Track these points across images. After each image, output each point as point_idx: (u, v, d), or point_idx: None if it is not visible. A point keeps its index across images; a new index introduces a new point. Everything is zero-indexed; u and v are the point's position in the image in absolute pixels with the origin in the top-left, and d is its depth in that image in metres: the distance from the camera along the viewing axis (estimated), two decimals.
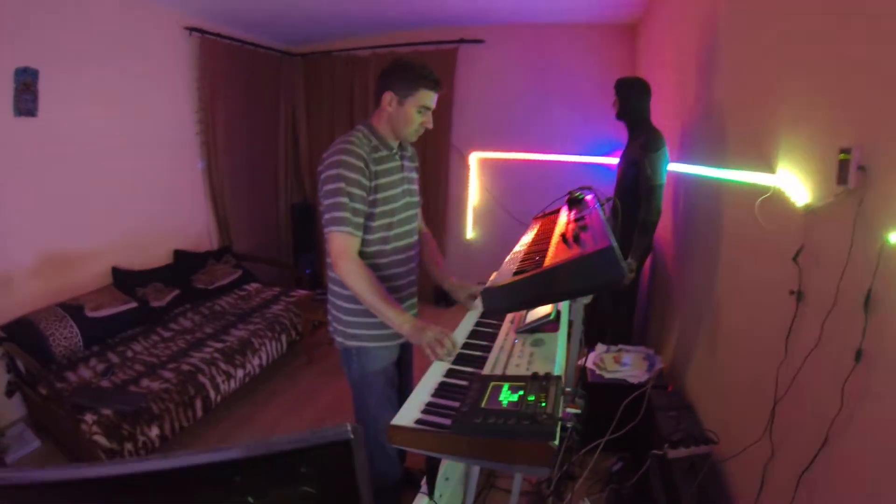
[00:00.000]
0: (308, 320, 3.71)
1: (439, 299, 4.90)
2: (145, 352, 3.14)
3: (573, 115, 4.40)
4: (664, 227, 2.91)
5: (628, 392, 2.19)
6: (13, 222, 3.04)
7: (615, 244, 1.20)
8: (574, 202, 1.98)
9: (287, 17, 4.31)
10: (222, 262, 4.35)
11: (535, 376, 1.17)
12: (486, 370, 1.38)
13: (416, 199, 1.96)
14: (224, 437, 2.98)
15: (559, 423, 0.99)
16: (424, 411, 1.18)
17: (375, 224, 1.75)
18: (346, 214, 1.64)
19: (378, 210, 1.74)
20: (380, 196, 1.73)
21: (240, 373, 3.10)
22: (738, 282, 1.95)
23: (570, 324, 1.63)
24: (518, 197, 4.72)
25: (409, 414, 1.16)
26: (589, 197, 1.95)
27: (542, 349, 1.47)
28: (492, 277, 1.62)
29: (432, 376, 1.38)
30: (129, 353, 3.10)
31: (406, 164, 1.88)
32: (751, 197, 1.69)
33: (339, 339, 1.89)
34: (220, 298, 3.98)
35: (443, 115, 4.69)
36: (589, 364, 2.61)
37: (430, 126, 1.80)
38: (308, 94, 5.28)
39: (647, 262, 3.15)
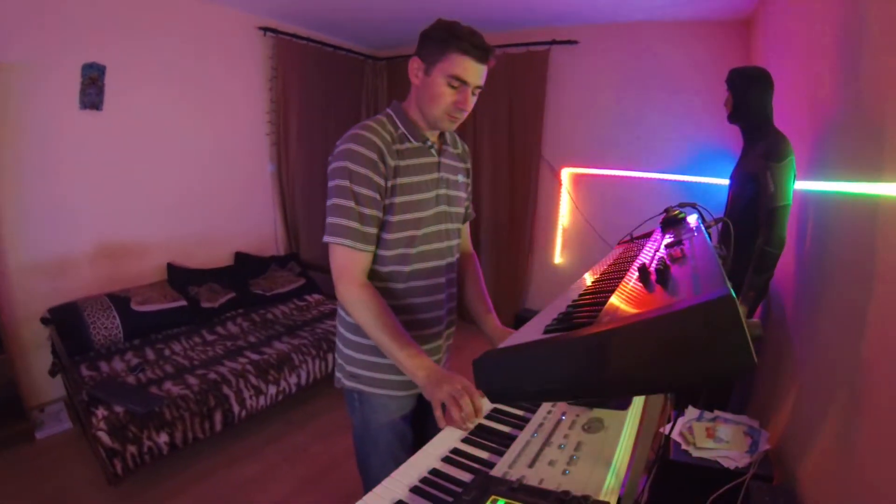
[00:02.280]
0: None
1: (519, 325, 4.37)
2: (182, 353, 3.01)
3: (678, 127, 3.77)
4: (782, 263, 2.18)
5: (721, 479, 1.69)
6: (75, 209, 3.11)
7: (733, 293, 0.59)
8: (670, 223, 1.45)
9: (369, 20, 4.16)
10: (286, 269, 4.20)
11: (564, 498, 0.73)
12: (503, 465, 0.94)
13: (459, 209, 1.48)
14: (247, 453, 2.74)
15: None
16: (415, 489, 0.91)
17: (392, 237, 1.31)
18: (351, 222, 1.24)
19: (396, 219, 1.30)
20: (399, 200, 1.30)
21: (272, 389, 2.85)
22: None
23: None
24: (613, 219, 4.13)
25: (396, 486, 0.90)
26: (692, 217, 1.43)
27: (596, 438, 1.00)
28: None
29: (443, 441, 1.04)
30: (167, 352, 2.99)
31: (447, 161, 1.42)
32: None
33: (338, 375, 1.46)
34: (275, 306, 3.80)
35: (533, 124, 4.27)
36: (675, 434, 1.99)
37: (467, 107, 1.29)
38: (391, 99, 5.08)
39: (758, 308, 2.42)
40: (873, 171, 1.48)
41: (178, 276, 3.51)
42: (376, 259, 1.31)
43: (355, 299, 1.24)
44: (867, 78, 1.60)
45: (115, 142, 3.23)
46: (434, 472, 0.96)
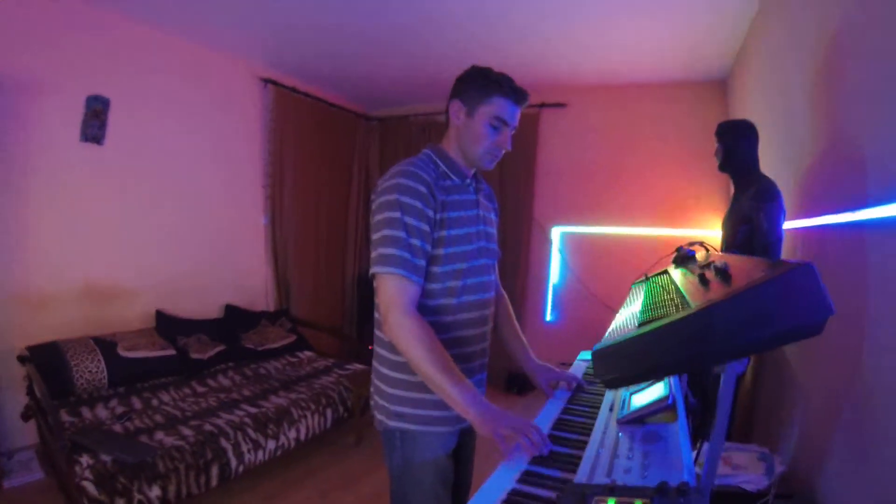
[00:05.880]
0: (360, 396, 3.30)
1: (511, 385, 4.33)
2: (172, 403, 2.86)
3: (665, 183, 4.00)
4: None
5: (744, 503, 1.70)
6: (64, 245, 3.03)
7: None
8: (682, 260, 1.54)
9: (364, 78, 4.38)
10: (276, 324, 4.13)
11: (663, 488, 0.74)
12: (581, 476, 0.94)
13: (494, 246, 1.52)
14: None
15: None
16: None
17: (441, 270, 1.32)
18: (403, 253, 1.23)
19: (445, 252, 1.32)
20: (448, 234, 1.32)
21: (271, 444, 2.72)
22: None
23: (691, 411, 1.18)
24: (603, 276, 4.27)
25: None
26: (700, 255, 1.53)
27: (658, 447, 1.02)
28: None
29: (499, 481, 0.96)
30: (155, 402, 2.85)
31: (483, 201, 1.48)
32: None
33: (379, 417, 1.42)
34: (267, 361, 3.70)
35: (525, 185, 4.47)
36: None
37: (508, 147, 1.39)
38: (383, 159, 5.24)
39: None
40: (858, 199, 1.62)
41: (167, 325, 3.41)
42: (425, 293, 1.31)
43: (406, 331, 1.21)
44: (843, 119, 1.80)
45: (112, 179, 3.22)
46: (514, 494, 0.93)
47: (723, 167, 2.47)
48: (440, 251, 1.31)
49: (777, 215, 2.15)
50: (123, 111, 3.22)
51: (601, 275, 4.29)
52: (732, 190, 2.52)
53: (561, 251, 4.54)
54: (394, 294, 1.24)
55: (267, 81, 4.20)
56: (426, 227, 1.27)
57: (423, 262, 1.27)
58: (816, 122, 2.09)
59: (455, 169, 1.38)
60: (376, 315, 1.36)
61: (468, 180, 1.42)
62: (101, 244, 3.21)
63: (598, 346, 0.99)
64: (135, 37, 3.29)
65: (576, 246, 4.49)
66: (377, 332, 1.40)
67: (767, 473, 1.89)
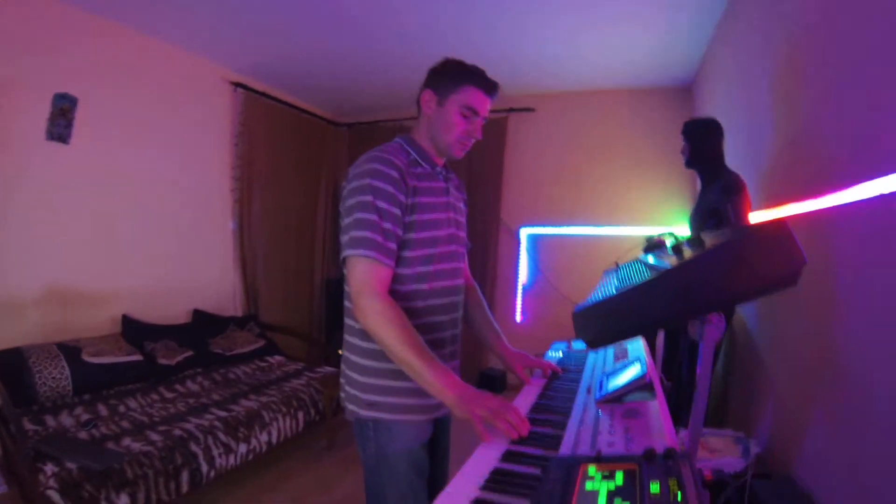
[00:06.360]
0: (331, 398, 3.24)
1: (482, 384, 4.34)
2: (139, 409, 2.75)
3: (631, 185, 4.13)
4: None
5: (722, 483, 1.73)
6: (26, 247, 2.90)
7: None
8: (653, 248, 1.59)
9: (334, 84, 4.39)
10: (245, 329, 4.03)
11: (649, 454, 0.74)
12: (565, 452, 0.95)
13: (464, 234, 1.53)
14: None
15: None
16: (486, 487, 0.81)
17: (412, 255, 1.32)
18: (375, 236, 1.22)
19: (416, 237, 1.32)
20: (419, 219, 1.32)
21: (242, 448, 2.64)
22: (870, 335, 1.44)
23: (666, 395, 1.21)
24: (572, 276, 4.34)
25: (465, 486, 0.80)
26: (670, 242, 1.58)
27: (640, 422, 1.04)
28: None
29: (480, 461, 0.95)
30: (122, 408, 2.73)
31: (452, 190, 1.48)
32: (875, 216, 1.32)
33: (351, 408, 1.38)
34: (236, 366, 3.61)
35: (493, 188, 4.51)
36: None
37: (479, 136, 1.40)
38: (351, 165, 5.20)
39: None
40: (823, 186, 1.71)
41: (134, 330, 3.29)
42: (396, 278, 1.30)
43: (378, 314, 1.20)
44: (808, 112, 1.89)
45: (78, 180, 3.11)
46: (497, 472, 0.90)
47: (689, 164, 2.56)
48: (411, 235, 1.31)
49: (744, 207, 2.24)
50: (91, 111, 3.12)
51: (570, 275, 4.36)
52: (699, 186, 2.61)
53: (529, 252, 4.60)
54: (365, 277, 1.22)
55: (237, 86, 4.15)
56: (397, 211, 1.26)
57: (394, 246, 1.26)
58: (780, 118, 2.19)
59: (425, 157, 1.39)
60: (346, 303, 1.34)
61: (438, 169, 1.43)
62: (66, 247, 3.09)
63: (579, 306, 1.00)
64: (105, 35, 3.20)
65: (544, 247, 4.56)
66: (347, 321, 1.38)
67: (744, 456, 1.95)
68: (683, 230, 3.05)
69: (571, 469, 0.75)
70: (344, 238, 1.26)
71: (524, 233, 4.61)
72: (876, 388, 1.40)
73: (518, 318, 4.64)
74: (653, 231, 3.89)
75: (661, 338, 3.01)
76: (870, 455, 1.42)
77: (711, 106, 3.48)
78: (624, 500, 0.64)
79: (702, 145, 2.48)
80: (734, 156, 2.59)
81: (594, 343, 0.98)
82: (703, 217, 2.45)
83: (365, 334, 1.27)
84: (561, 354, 1.78)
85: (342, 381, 1.43)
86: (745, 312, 2.65)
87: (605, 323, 0.93)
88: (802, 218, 1.84)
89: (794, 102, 2.02)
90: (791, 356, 2.02)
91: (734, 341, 2.78)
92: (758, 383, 2.40)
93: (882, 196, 1.31)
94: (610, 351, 1.64)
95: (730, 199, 2.26)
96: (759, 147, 2.48)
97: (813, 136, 1.85)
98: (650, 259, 1.28)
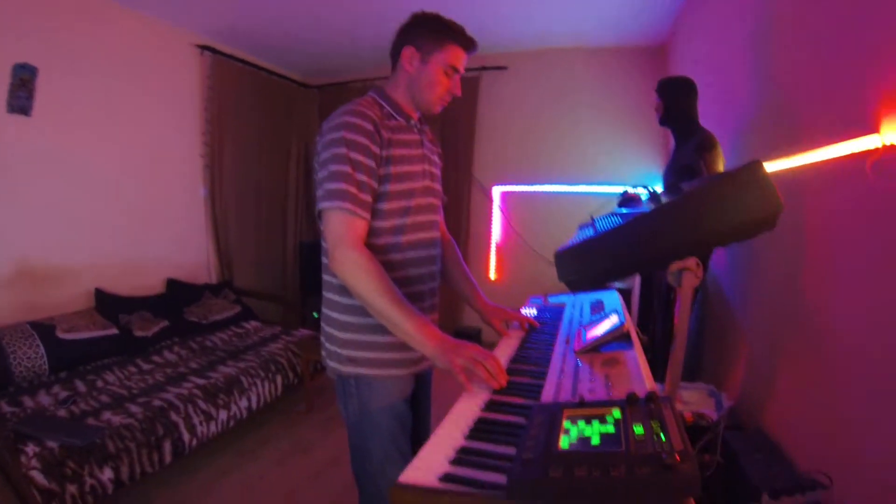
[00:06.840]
0: (308, 361, 3.28)
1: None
2: (117, 383, 2.73)
3: (603, 143, 4.12)
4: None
5: (696, 435, 1.78)
6: None
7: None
8: (628, 202, 1.60)
9: (303, 45, 4.22)
10: (220, 296, 3.99)
11: (632, 398, 0.75)
12: (546, 399, 0.96)
13: (439, 188, 1.52)
14: (200, 490, 2.48)
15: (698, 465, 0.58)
16: (456, 461, 0.78)
17: (387, 207, 1.30)
18: (350, 187, 1.20)
19: (391, 189, 1.30)
20: (394, 171, 1.30)
21: (223, 414, 2.65)
22: (838, 287, 1.50)
23: (649, 346, 1.22)
24: (545, 234, 4.35)
25: (429, 465, 0.77)
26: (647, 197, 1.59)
27: (619, 370, 1.05)
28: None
29: (463, 411, 0.95)
30: (100, 383, 2.70)
31: (427, 143, 1.47)
32: (847, 174, 1.37)
33: (332, 365, 1.38)
34: (213, 334, 3.59)
35: (465, 146, 4.46)
36: None
37: (459, 93, 1.40)
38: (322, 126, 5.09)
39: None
40: (793, 148, 1.74)
41: (108, 304, 3.23)
42: (373, 231, 1.29)
43: (355, 265, 1.18)
44: (778, 78, 1.90)
45: (42, 152, 2.98)
46: (481, 421, 0.91)
47: (663, 121, 2.56)
48: (386, 188, 1.30)
49: (718, 164, 2.26)
50: (52, 80, 2.97)
51: (544, 233, 4.38)
52: (673, 144, 2.62)
53: (502, 210, 4.60)
54: (341, 229, 1.21)
55: (204, 48, 3.97)
56: (372, 164, 1.25)
57: (368, 198, 1.25)
58: (757, 76, 2.18)
59: (399, 110, 1.38)
60: (324, 259, 1.33)
61: (413, 122, 1.41)
62: (33, 222, 2.98)
63: (561, 247, 1.02)
64: (63, 1, 3.01)
65: (518, 204, 4.57)
66: (326, 277, 1.37)
67: (717, 408, 2.03)
68: (658, 187, 3.07)
69: (555, 414, 0.76)
70: (319, 191, 1.25)
71: (497, 191, 4.60)
72: (842, 341, 1.47)
73: (492, 275, 4.68)
74: (624, 189, 3.95)
75: (636, 294, 3.09)
76: (837, 406, 1.50)
77: (685, 64, 3.46)
78: (608, 442, 0.65)
79: (676, 103, 2.48)
80: (710, 115, 2.59)
81: (575, 285, 1.00)
82: (677, 175, 2.46)
83: (344, 290, 1.27)
84: (536, 311, 1.81)
85: (322, 338, 1.43)
86: (717, 271, 2.72)
87: (586, 264, 0.97)
88: (779, 175, 1.87)
89: (770, 59, 2.02)
90: (762, 311, 2.10)
91: (707, 297, 2.86)
92: (730, 339, 2.49)
93: (853, 154, 1.34)
94: (586, 304, 1.67)
95: (703, 156, 2.27)
96: (735, 106, 2.48)
97: (791, 96, 1.86)
98: (625, 212, 1.30)
